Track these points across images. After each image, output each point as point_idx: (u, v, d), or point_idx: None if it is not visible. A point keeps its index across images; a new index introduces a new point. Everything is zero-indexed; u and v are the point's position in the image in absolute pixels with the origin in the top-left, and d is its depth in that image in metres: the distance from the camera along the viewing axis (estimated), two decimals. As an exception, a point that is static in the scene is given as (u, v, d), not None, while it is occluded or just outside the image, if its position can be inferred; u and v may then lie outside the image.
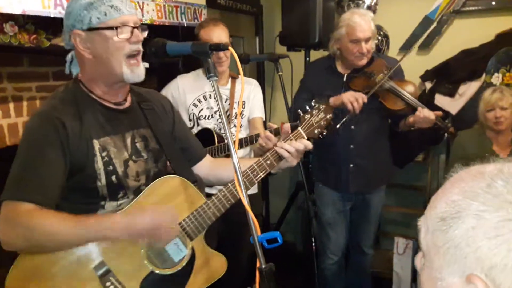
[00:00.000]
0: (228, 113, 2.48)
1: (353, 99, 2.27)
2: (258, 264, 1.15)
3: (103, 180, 1.40)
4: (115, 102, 1.48)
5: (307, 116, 1.71)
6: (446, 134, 3.09)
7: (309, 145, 1.60)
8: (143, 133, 1.53)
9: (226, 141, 2.43)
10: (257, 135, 2.15)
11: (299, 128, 1.68)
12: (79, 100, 1.42)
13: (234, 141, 1.28)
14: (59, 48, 2.24)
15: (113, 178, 1.42)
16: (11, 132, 2.18)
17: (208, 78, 1.26)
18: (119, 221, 1.35)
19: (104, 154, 1.40)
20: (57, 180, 1.33)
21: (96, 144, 1.39)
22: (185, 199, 1.52)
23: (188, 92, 2.48)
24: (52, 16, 2.02)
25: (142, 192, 1.47)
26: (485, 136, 2.73)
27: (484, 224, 0.56)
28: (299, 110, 1.73)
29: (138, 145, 1.51)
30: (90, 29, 1.34)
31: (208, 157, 1.78)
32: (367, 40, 2.38)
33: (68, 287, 1.34)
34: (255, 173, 1.57)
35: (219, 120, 2.47)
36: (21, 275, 1.33)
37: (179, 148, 1.66)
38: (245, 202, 1.19)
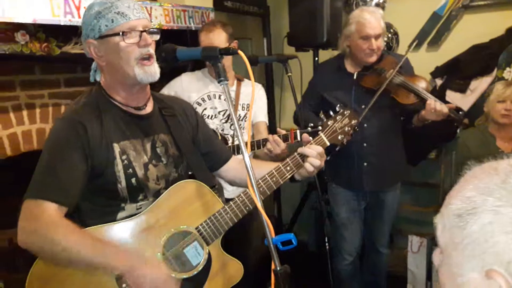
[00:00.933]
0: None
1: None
2: (273, 266, 1.15)
3: (123, 183, 1.44)
4: (135, 107, 1.51)
5: (330, 122, 1.69)
6: (458, 131, 3.07)
7: (319, 150, 1.58)
8: (164, 139, 1.56)
9: (231, 142, 2.43)
10: (265, 140, 2.14)
11: (321, 134, 1.65)
12: (100, 105, 1.46)
13: (246, 143, 1.28)
14: (70, 55, 2.28)
15: (133, 180, 1.46)
16: (25, 139, 2.21)
17: (219, 82, 1.26)
18: (131, 264, 1.35)
19: (124, 157, 1.44)
20: (77, 182, 1.37)
21: (116, 147, 1.44)
22: (203, 204, 1.53)
23: (192, 90, 2.47)
24: (62, 24, 2.04)
25: (161, 196, 1.50)
26: (488, 132, 2.71)
27: (501, 219, 0.57)
28: (322, 115, 1.71)
29: (158, 150, 1.54)
30: (101, 37, 1.38)
31: (234, 159, 1.79)
32: (377, 37, 2.38)
33: (85, 286, 1.38)
34: (274, 179, 1.56)
35: (222, 121, 2.47)
36: (40, 279, 1.37)
37: (204, 152, 1.70)
38: (259, 204, 1.19)
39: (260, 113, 2.54)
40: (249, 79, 2.49)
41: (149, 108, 1.56)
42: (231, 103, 1.28)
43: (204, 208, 1.53)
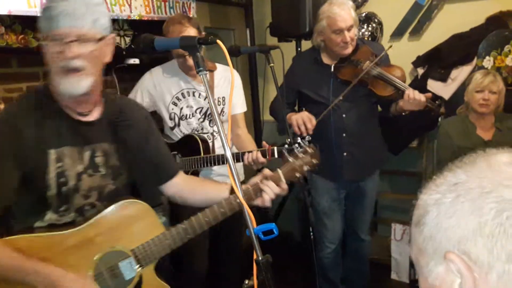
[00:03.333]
0: (209, 112, 2.40)
1: (301, 122, 2.29)
2: (255, 256, 1.16)
3: (54, 191, 1.38)
4: (79, 112, 1.43)
5: (291, 159, 1.63)
6: (439, 120, 3.11)
7: (283, 191, 1.56)
8: (105, 148, 1.49)
9: (211, 141, 2.39)
10: (243, 153, 2.09)
11: (279, 171, 1.59)
12: (43, 107, 1.39)
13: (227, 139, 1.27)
14: (48, 47, 2.24)
15: (64, 189, 1.40)
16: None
17: (198, 73, 1.25)
18: (51, 279, 1.30)
19: (58, 164, 1.38)
20: (8, 190, 1.33)
21: (52, 154, 1.38)
22: (144, 226, 1.49)
23: (165, 90, 2.39)
24: (38, 15, 2.00)
25: (104, 211, 1.44)
26: (469, 121, 2.74)
27: (443, 208, 0.63)
28: (284, 149, 1.71)
29: (98, 159, 1.47)
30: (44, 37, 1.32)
31: (180, 176, 1.72)
32: (349, 29, 2.37)
33: None
34: (222, 210, 1.51)
35: (200, 120, 2.41)
36: None
37: (150, 165, 1.63)
38: (240, 195, 1.19)
39: (236, 105, 2.47)
40: (222, 63, 2.46)
41: (95, 115, 1.48)
42: (212, 97, 1.27)
43: (145, 230, 1.49)
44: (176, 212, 2.24)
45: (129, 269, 1.46)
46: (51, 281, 1.29)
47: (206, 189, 1.68)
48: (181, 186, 1.70)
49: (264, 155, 2.02)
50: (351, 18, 2.38)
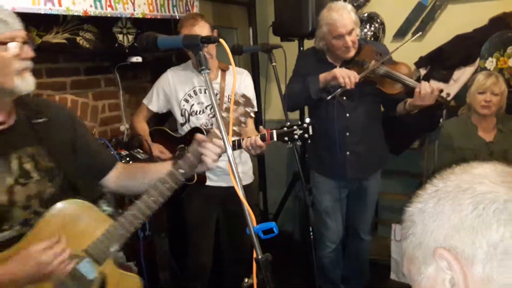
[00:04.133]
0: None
1: (345, 74, 2.28)
2: (254, 255, 1.16)
3: None
4: None
5: (225, 114, 1.47)
6: (441, 121, 3.11)
7: (219, 143, 1.43)
8: (31, 152, 1.39)
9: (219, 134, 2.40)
10: (242, 139, 2.08)
11: (214, 129, 1.50)
12: None
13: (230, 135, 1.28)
14: (51, 44, 2.25)
15: None
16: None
17: (200, 72, 1.26)
18: (2, 271, 1.26)
19: None
20: None
21: None
22: (89, 223, 1.43)
23: (178, 87, 2.47)
24: (42, 12, 2.01)
25: (39, 220, 1.35)
26: (470, 122, 2.74)
27: (426, 214, 0.67)
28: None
29: (27, 166, 1.37)
30: None
31: (118, 167, 1.65)
32: (350, 33, 2.37)
33: None
34: (167, 185, 1.44)
35: (210, 115, 2.45)
36: None
37: (83, 162, 1.55)
38: (240, 194, 1.19)
39: None
40: (226, 62, 2.49)
41: (11, 120, 1.37)
42: (213, 93, 1.27)
43: (92, 227, 1.42)
44: (120, 199, 2.21)
45: (89, 268, 1.41)
46: (18, 272, 1.26)
47: (147, 171, 1.58)
48: (121, 177, 1.63)
49: (263, 139, 2.02)
50: (351, 22, 2.37)
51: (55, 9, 2.06)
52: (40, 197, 1.39)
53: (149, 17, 2.64)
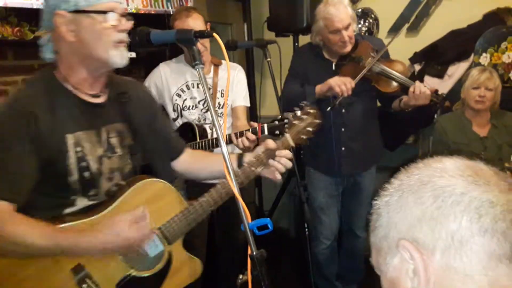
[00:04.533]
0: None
1: (341, 82, 2.28)
2: (249, 251, 1.16)
3: (76, 176, 1.36)
4: (91, 94, 1.42)
5: (297, 122, 1.64)
6: (435, 116, 3.12)
7: (289, 155, 1.55)
8: (119, 128, 1.49)
9: (212, 132, 2.40)
10: (229, 135, 2.08)
11: (287, 135, 1.61)
12: (52, 91, 1.36)
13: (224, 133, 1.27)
14: (44, 40, 2.22)
15: (86, 174, 1.38)
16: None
17: (193, 66, 1.25)
18: (93, 240, 1.33)
19: (78, 149, 1.36)
20: (27, 176, 1.30)
21: (70, 139, 1.35)
22: (167, 203, 1.51)
23: (170, 82, 2.44)
24: (34, 7, 1.99)
25: (122, 196, 1.44)
26: (465, 117, 2.75)
27: (391, 207, 0.71)
28: (288, 113, 1.68)
29: (113, 140, 1.46)
30: (77, 11, 1.29)
31: (187, 152, 1.74)
32: (347, 27, 2.36)
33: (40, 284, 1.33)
34: (239, 179, 1.50)
35: (203, 110, 2.44)
36: None
37: (161, 142, 1.64)
38: (235, 190, 1.19)
39: (238, 97, 2.49)
40: (220, 58, 2.48)
41: (105, 95, 1.47)
42: (207, 88, 1.26)
43: (168, 208, 1.50)
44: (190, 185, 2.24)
45: (153, 246, 1.48)
46: (100, 245, 1.33)
47: (209, 160, 1.69)
48: (189, 161, 1.72)
49: (254, 133, 2.01)
50: (348, 16, 2.36)
51: (48, 4, 2.03)
52: (121, 172, 1.49)
53: (142, 12, 2.62)
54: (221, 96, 2.44)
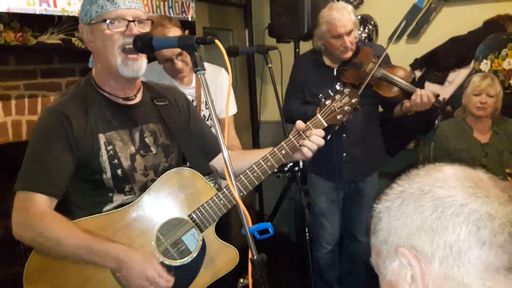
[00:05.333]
0: None
1: None
2: (250, 255, 1.16)
3: (109, 173, 1.44)
4: (124, 97, 1.50)
5: (328, 102, 1.63)
6: (436, 122, 3.12)
7: (321, 134, 1.56)
8: (153, 128, 1.56)
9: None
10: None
11: (318, 115, 1.60)
12: (88, 96, 1.47)
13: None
14: (46, 45, 2.24)
15: (119, 171, 1.46)
16: (0, 131, 2.17)
17: (195, 72, 1.26)
18: (119, 258, 1.37)
19: (109, 148, 1.45)
20: (64, 171, 1.40)
21: (102, 138, 1.44)
22: (195, 191, 1.53)
23: None
24: (37, 13, 2.01)
25: (151, 185, 1.50)
26: (466, 123, 2.75)
27: (392, 213, 0.71)
28: (321, 95, 1.67)
29: (147, 139, 1.54)
30: (91, 23, 1.39)
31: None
32: (349, 33, 2.38)
33: (82, 277, 1.41)
34: (268, 163, 1.53)
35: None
36: (37, 270, 1.40)
37: (197, 143, 1.68)
38: (236, 194, 1.19)
39: (224, 107, 2.36)
40: (220, 64, 2.40)
41: (138, 98, 1.55)
42: (208, 93, 1.27)
43: (197, 195, 1.52)
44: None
45: (193, 240, 1.51)
46: (119, 261, 1.36)
47: (250, 156, 1.69)
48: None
49: None
50: (351, 22, 2.38)
51: (51, 10, 2.05)
52: (155, 170, 1.54)
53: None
54: (206, 108, 2.32)
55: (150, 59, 2.38)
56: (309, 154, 1.55)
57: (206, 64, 2.37)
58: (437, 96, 2.33)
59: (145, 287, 1.37)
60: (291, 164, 1.92)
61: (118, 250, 1.37)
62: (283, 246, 3.72)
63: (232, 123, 2.42)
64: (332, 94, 1.64)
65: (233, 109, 2.45)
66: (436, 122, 3.13)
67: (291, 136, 1.56)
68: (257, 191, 4.16)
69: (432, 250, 0.65)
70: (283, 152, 1.54)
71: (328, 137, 2.27)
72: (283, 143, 1.55)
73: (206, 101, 2.28)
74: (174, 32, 2.12)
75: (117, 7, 1.35)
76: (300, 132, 1.56)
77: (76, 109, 1.42)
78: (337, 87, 1.68)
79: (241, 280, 1.22)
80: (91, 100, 1.46)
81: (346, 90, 1.64)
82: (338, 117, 1.63)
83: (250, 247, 1.17)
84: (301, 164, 1.96)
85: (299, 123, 1.57)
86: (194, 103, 2.29)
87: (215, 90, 2.29)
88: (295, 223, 4.02)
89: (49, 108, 1.45)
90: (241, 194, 1.49)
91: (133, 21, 1.37)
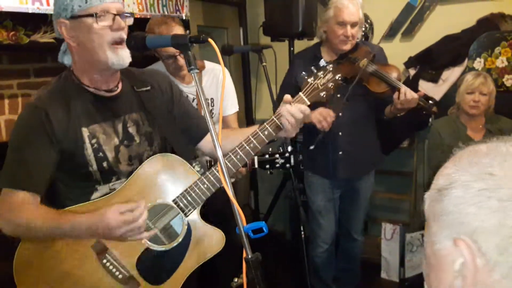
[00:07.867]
0: None
1: (322, 118, 2.29)
2: (244, 255, 1.16)
3: (95, 166, 1.46)
4: (106, 89, 1.49)
5: (311, 79, 1.54)
6: (430, 120, 3.13)
7: (306, 109, 1.47)
8: (135, 118, 1.56)
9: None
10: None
11: (300, 93, 1.52)
12: (69, 91, 1.45)
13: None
14: (39, 44, 2.22)
15: (104, 164, 1.47)
16: (-7, 130, 2.16)
17: (189, 71, 1.25)
18: (83, 222, 1.38)
19: (93, 141, 1.45)
20: (44, 167, 1.40)
21: (85, 132, 1.44)
22: (177, 176, 1.54)
23: None
24: (30, 12, 1.99)
25: (137, 170, 1.50)
26: (459, 121, 2.77)
27: (469, 193, 0.63)
28: (304, 73, 1.59)
29: (130, 129, 1.54)
30: (73, 17, 1.35)
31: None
32: (353, 25, 2.39)
33: (68, 265, 1.45)
34: (251, 145, 1.49)
35: None
36: (26, 255, 1.44)
37: (181, 127, 1.67)
38: (230, 193, 1.19)
39: (226, 106, 2.42)
40: (213, 61, 2.41)
41: (119, 88, 1.54)
42: (202, 93, 1.27)
43: (179, 180, 1.53)
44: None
45: (180, 223, 1.52)
46: (90, 227, 1.36)
47: (237, 138, 1.62)
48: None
49: (244, 166, 1.98)
50: (358, 15, 2.40)
51: (43, 9, 2.04)
52: (139, 158, 1.55)
53: (138, 16, 2.62)
54: (211, 105, 2.37)
55: (152, 60, 2.42)
56: (289, 127, 1.47)
57: (207, 63, 2.45)
58: (424, 95, 2.34)
59: (127, 230, 1.36)
60: (283, 161, 1.89)
61: (84, 218, 1.37)
62: (279, 245, 3.73)
63: (236, 121, 2.47)
64: (315, 71, 1.57)
65: (234, 107, 2.49)
66: (430, 120, 3.14)
67: (273, 117, 1.50)
68: (253, 190, 4.16)
69: (498, 260, 0.59)
70: (266, 132, 1.49)
71: (320, 136, 2.30)
72: (265, 123, 1.51)
73: (210, 99, 2.33)
74: (178, 30, 2.18)
75: (101, 1, 1.33)
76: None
77: (55, 105, 1.41)
78: (320, 64, 1.62)
79: (236, 279, 1.21)
80: (73, 95, 1.45)
81: (329, 66, 1.56)
82: (321, 94, 1.54)
83: (244, 246, 1.17)
84: (292, 161, 1.94)
85: (287, 97, 1.51)
86: (195, 102, 2.32)
87: (216, 90, 2.35)
88: (290, 221, 4.03)
89: (29, 104, 1.44)
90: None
91: (118, 14, 1.37)
